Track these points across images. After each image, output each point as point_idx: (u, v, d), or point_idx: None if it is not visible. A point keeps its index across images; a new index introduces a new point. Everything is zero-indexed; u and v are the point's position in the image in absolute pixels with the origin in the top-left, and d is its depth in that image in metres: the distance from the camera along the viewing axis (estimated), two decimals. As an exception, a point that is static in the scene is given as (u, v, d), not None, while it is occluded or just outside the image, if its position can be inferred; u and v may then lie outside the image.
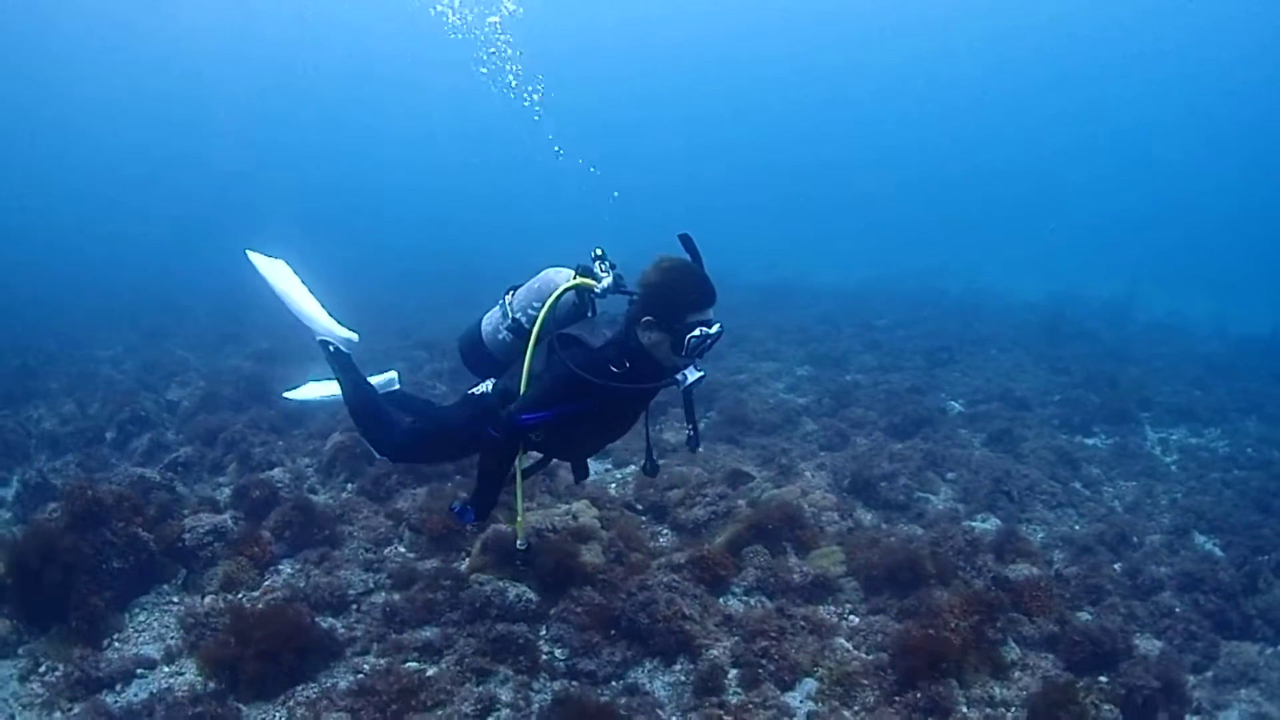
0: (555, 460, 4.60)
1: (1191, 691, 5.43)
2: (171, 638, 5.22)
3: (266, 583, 5.84)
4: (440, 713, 4.50)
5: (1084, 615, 6.07)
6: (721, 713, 4.66)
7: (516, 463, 4.11)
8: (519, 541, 4.19)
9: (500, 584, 5.55)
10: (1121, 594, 6.52)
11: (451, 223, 38.36)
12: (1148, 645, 5.95)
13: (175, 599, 5.65)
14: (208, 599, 5.58)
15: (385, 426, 4.65)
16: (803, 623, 5.51)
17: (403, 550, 6.32)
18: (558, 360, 3.77)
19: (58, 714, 4.50)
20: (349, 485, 7.48)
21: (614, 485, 7.78)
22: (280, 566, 6.06)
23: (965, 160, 54.83)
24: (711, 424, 9.41)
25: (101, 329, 15.12)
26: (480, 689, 4.74)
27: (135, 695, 4.69)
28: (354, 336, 4.93)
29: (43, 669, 4.80)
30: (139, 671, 4.89)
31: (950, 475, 8.70)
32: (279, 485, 6.92)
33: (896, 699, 4.80)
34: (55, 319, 16.13)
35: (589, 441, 4.34)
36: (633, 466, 8.02)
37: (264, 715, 4.56)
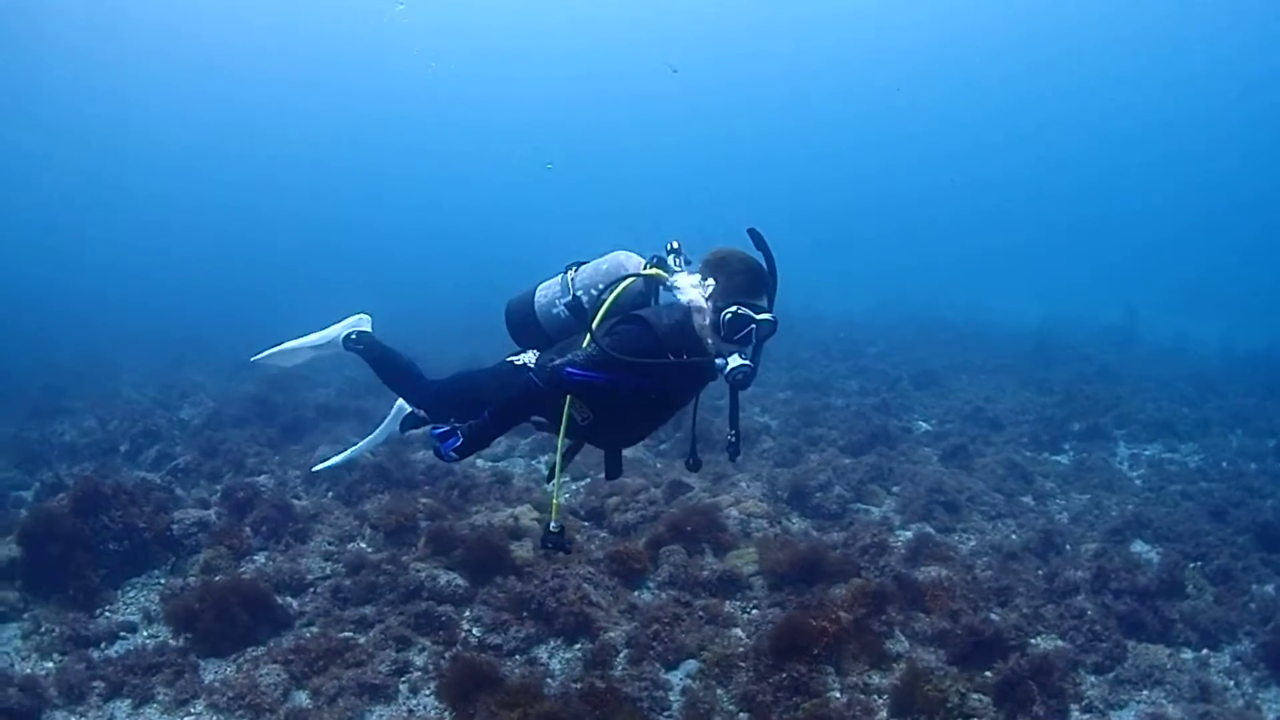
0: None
1: (1085, 690, 5.91)
2: (154, 610, 6.37)
3: (241, 570, 6.96)
4: (359, 670, 5.56)
5: (992, 616, 6.54)
6: (600, 683, 5.52)
7: (559, 446, 4.02)
8: (552, 524, 4.02)
9: (435, 571, 6.61)
10: (1033, 596, 6.99)
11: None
12: (1049, 645, 6.33)
13: (163, 581, 6.81)
14: (189, 579, 6.72)
15: (415, 380, 4.74)
16: (701, 612, 6.40)
17: (363, 545, 7.42)
18: (621, 332, 3.82)
19: (49, 663, 5.70)
20: (329, 493, 8.61)
21: (565, 495, 8.79)
22: (255, 557, 7.22)
23: (976, 196, 55.38)
24: (675, 442, 10.34)
25: (130, 354, 16.84)
26: (398, 654, 5.81)
27: (115, 652, 5.85)
28: (365, 316, 5.05)
29: (42, 629, 6.00)
30: (121, 634, 6.08)
31: (895, 489, 9.49)
32: (262, 488, 8.11)
33: (768, 680, 5.54)
34: (90, 341, 17.96)
35: (632, 426, 4.26)
36: (588, 479, 9.00)
37: (216, 668, 5.71)
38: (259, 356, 5.19)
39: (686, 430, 4.64)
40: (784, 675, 5.54)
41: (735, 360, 3.71)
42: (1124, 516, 8.84)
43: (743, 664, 5.78)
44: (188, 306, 24.23)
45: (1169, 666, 6.16)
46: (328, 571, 6.93)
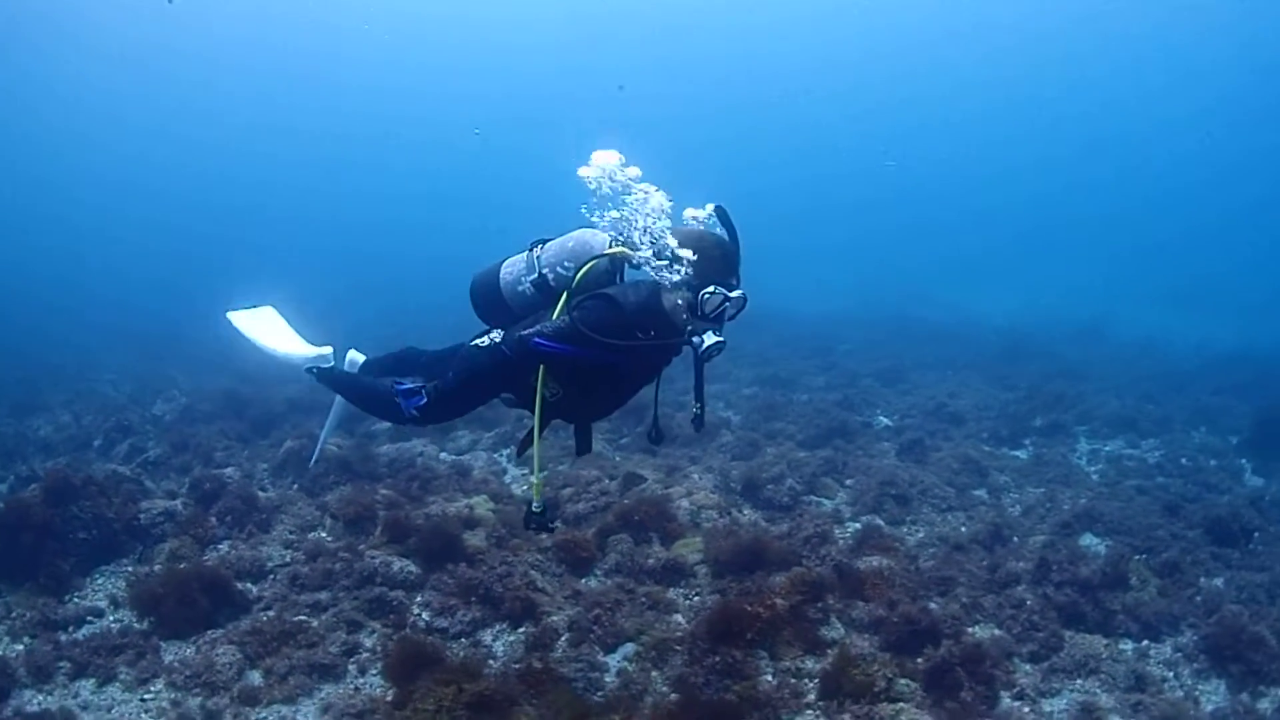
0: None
1: (1018, 678, 6.13)
2: (121, 596, 6.80)
3: (205, 558, 7.38)
4: (310, 650, 6.00)
5: (931, 605, 6.84)
6: (538, 664, 5.92)
7: (536, 427, 4.16)
8: (534, 504, 4.21)
9: (389, 558, 7.04)
10: (974, 586, 7.30)
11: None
12: (986, 634, 6.62)
13: (131, 569, 7.24)
14: (155, 567, 7.15)
15: (392, 406, 4.71)
16: (643, 599, 6.82)
17: (323, 534, 7.85)
18: (590, 308, 3.99)
19: (19, 645, 6.13)
20: (295, 485, 9.03)
21: (526, 487, 9.20)
22: (219, 546, 7.64)
23: (963, 196, 55.99)
24: (634, 436, 10.76)
25: (110, 349, 17.40)
26: (349, 637, 6.26)
27: (82, 635, 6.30)
28: (328, 350, 5.12)
29: (13, 614, 6.44)
30: (89, 618, 6.53)
31: (849, 482, 9.86)
32: (229, 480, 8.53)
33: (702, 663, 5.91)
34: (72, 336, 18.51)
35: (600, 400, 4.40)
36: (544, 471, 9.38)
37: (177, 649, 6.15)
38: (235, 314, 5.24)
39: (649, 406, 4.81)
40: (717, 659, 5.89)
41: (710, 338, 3.97)
42: (1075, 510, 9.11)
43: (679, 648, 6.15)
44: (170, 302, 24.60)
45: (1105, 656, 6.41)
46: (287, 559, 7.36)
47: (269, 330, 5.17)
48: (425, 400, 4.17)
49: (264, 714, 5.52)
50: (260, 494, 8.56)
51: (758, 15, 45.46)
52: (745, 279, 4.21)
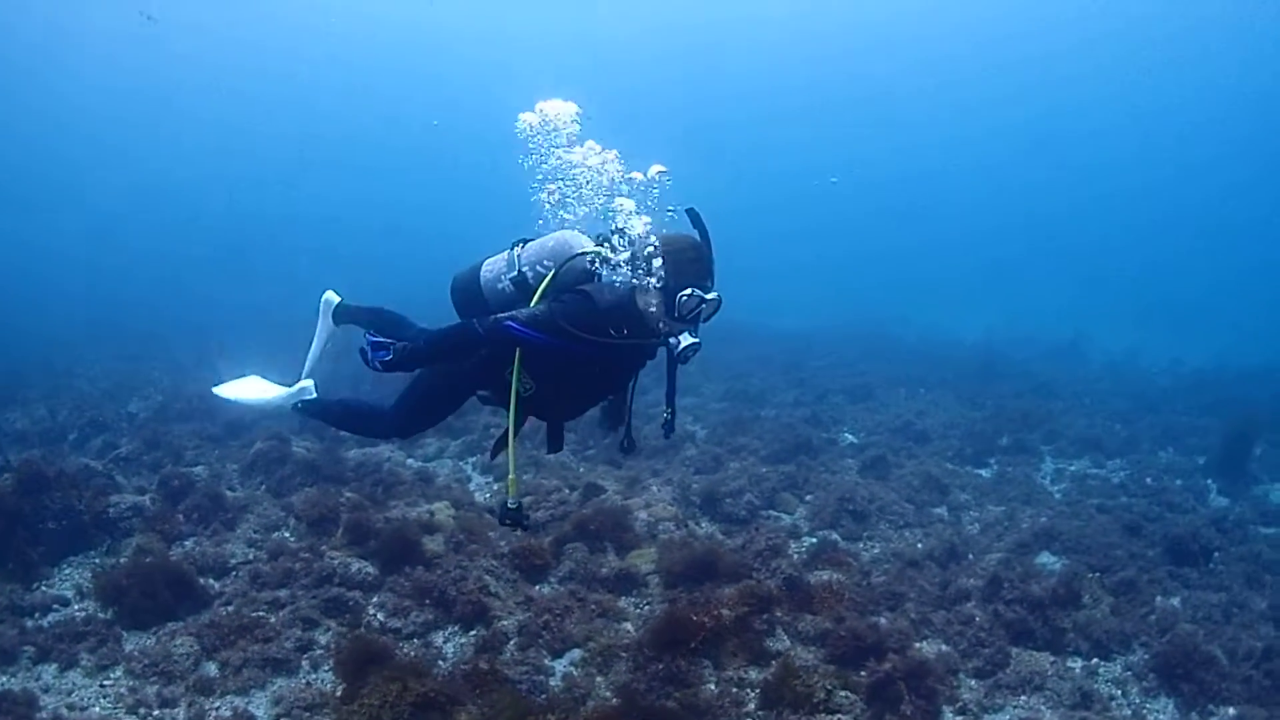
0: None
1: (962, 693, 6.31)
2: (87, 586, 7.09)
3: (170, 553, 7.68)
4: (266, 645, 6.31)
5: (880, 620, 7.05)
6: (484, 666, 6.17)
7: (511, 423, 4.24)
8: (509, 500, 4.25)
9: (348, 559, 7.36)
10: (924, 602, 7.54)
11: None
12: (933, 649, 6.82)
13: (98, 560, 7.53)
14: (122, 560, 7.44)
15: (375, 421, 4.93)
16: (594, 606, 7.11)
17: (286, 534, 8.16)
18: (566, 300, 4.07)
19: (-14, 631, 6.42)
20: (263, 485, 9.33)
21: (489, 494, 9.54)
22: (185, 542, 7.95)
23: (947, 217, 56.61)
24: (602, 448, 11.07)
25: (95, 346, 17.68)
26: (304, 634, 6.57)
27: (47, 622, 6.60)
28: (309, 384, 5.25)
29: (-21, 600, 6.72)
30: (54, 606, 6.83)
31: (809, 497, 10.15)
32: (197, 479, 8.83)
33: (646, 670, 6.18)
34: (57, 332, 18.77)
35: (573, 398, 4.47)
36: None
37: (138, 640, 6.46)
38: (221, 388, 5.35)
39: (621, 412, 4.85)
40: (661, 666, 6.16)
41: (686, 339, 4.10)
42: (1034, 528, 9.36)
43: (624, 654, 6.43)
44: (164, 302, 24.86)
45: (1051, 673, 6.60)
46: (250, 557, 7.68)
47: (254, 390, 5.32)
48: (390, 356, 4.19)
49: (217, 704, 5.82)
50: (228, 493, 8.87)
51: (760, 29, 45.98)
52: (722, 293, 4.32)
